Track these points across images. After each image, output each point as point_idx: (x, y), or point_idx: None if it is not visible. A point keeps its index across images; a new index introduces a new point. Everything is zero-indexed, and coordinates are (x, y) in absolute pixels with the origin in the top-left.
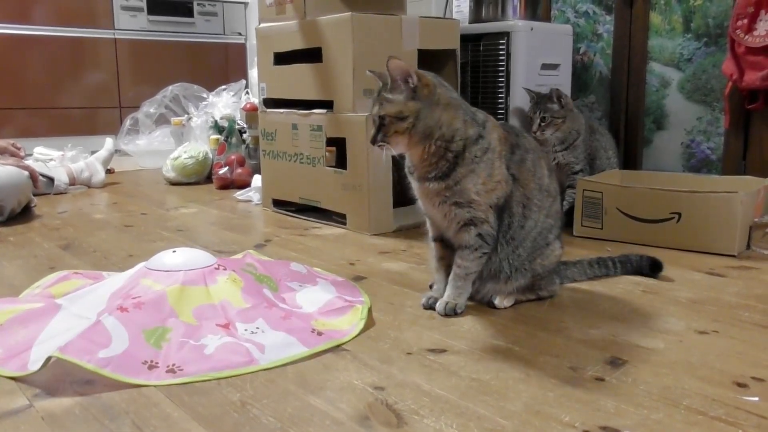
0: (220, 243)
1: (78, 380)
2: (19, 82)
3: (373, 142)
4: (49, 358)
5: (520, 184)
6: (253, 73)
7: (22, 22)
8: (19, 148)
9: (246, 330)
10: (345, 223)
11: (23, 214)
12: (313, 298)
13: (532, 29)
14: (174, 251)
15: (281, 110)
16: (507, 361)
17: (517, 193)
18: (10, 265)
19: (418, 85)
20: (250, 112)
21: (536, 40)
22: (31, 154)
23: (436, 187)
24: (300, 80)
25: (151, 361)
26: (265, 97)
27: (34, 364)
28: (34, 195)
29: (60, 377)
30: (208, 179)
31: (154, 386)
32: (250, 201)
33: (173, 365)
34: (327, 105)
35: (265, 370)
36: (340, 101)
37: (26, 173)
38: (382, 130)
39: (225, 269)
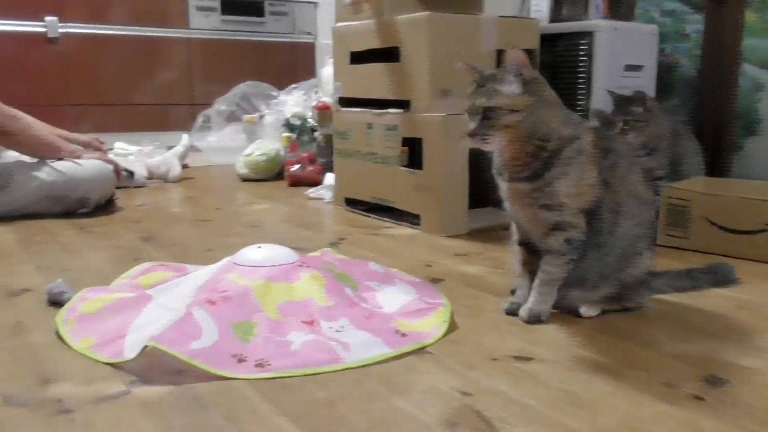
0: (293, 240)
1: (170, 370)
2: (96, 80)
3: (473, 134)
4: (145, 347)
5: (611, 189)
6: (324, 71)
7: (101, 22)
8: (102, 143)
9: (330, 328)
10: (418, 224)
11: (106, 206)
12: (393, 298)
13: (615, 29)
14: (259, 247)
15: (356, 109)
16: (596, 373)
17: (608, 199)
18: (97, 255)
19: (531, 79)
20: (321, 111)
21: (619, 41)
22: (111, 149)
23: (526, 188)
24: (376, 79)
25: (240, 355)
26: (340, 95)
27: (130, 351)
28: (116, 188)
29: (153, 366)
30: (279, 176)
31: (244, 379)
32: (321, 199)
33: (261, 360)
34: (402, 104)
35: (349, 369)
36: (417, 101)
37: (110, 167)
38: (486, 122)
39: (308, 267)
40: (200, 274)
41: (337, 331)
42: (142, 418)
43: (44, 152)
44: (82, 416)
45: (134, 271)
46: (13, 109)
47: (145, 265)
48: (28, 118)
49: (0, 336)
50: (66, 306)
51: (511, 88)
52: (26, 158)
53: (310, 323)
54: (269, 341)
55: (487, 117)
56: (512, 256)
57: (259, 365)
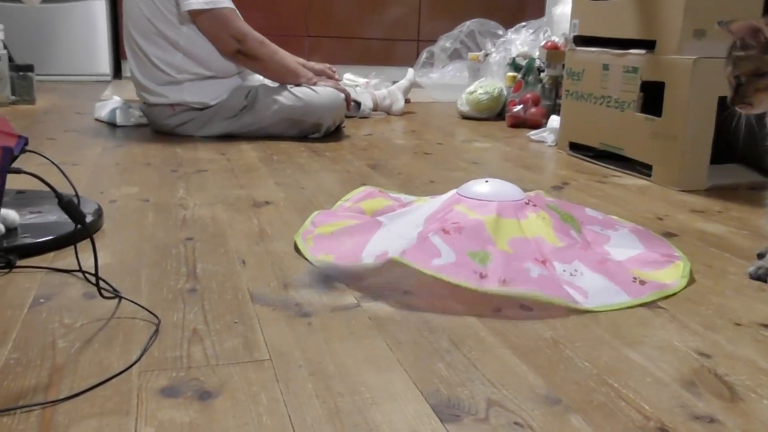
0: (516, 180)
1: (398, 290)
2: (332, 14)
3: (732, 103)
4: (387, 260)
5: None
6: (556, 10)
7: None
8: (334, 71)
9: (564, 271)
10: (649, 175)
11: (335, 133)
12: (620, 245)
13: None
14: (486, 181)
15: (592, 49)
16: None
17: None
18: (329, 177)
19: None
20: (551, 51)
21: None
22: (340, 80)
23: None
24: (618, 17)
25: (481, 273)
26: (576, 34)
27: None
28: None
29: (382, 285)
30: (499, 116)
31: (489, 292)
32: (543, 142)
33: (503, 278)
34: (646, 45)
35: (586, 311)
36: (664, 41)
37: (342, 95)
38: (740, 90)
39: (535, 205)
40: (429, 205)
41: (571, 274)
42: (371, 330)
43: (286, 78)
44: (318, 321)
45: (355, 194)
46: (261, 36)
47: (366, 189)
48: (274, 46)
49: (248, 241)
50: (300, 229)
51: (748, 53)
52: (269, 82)
53: (543, 263)
54: (507, 265)
55: (739, 84)
56: (764, 217)
57: (503, 282)
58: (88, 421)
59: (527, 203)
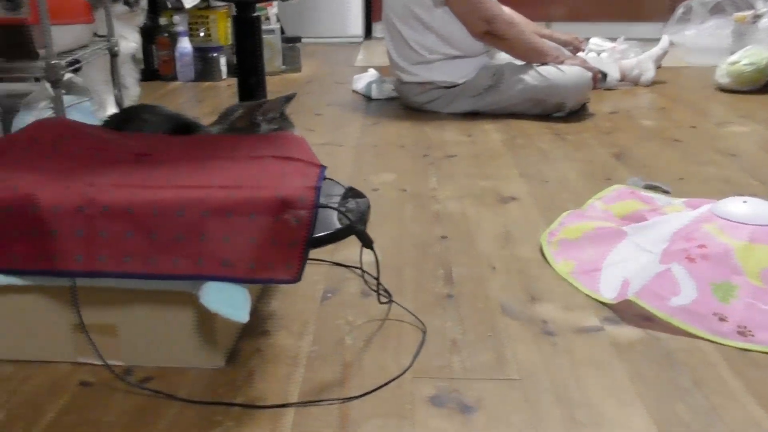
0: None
1: (640, 314)
2: None
3: None
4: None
5: None
6: None
7: None
8: (581, 41)
9: None
10: None
11: (578, 111)
12: None
13: None
14: (744, 201)
15: None
16: None
17: None
18: (571, 168)
19: None
20: None
21: None
22: (584, 48)
23: None
24: None
25: (721, 314)
26: None
27: (606, 289)
28: None
29: (625, 307)
30: (765, 89)
31: (721, 344)
32: None
33: (744, 327)
34: None
35: None
36: None
37: (589, 75)
38: None
39: None
40: (677, 219)
41: None
42: (613, 358)
43: (533, 57)
44: (563, 342)
45: (606, 193)
46: (511, 15)
47: (618, 188)
48: (522, 25)
49: (495, 243)
50: (547, 229)
51: None
52: (516, 61)
53: None
54: (752, 308)
55: None
56: None
57: (741, 333)
58: (373, 421)
59: None
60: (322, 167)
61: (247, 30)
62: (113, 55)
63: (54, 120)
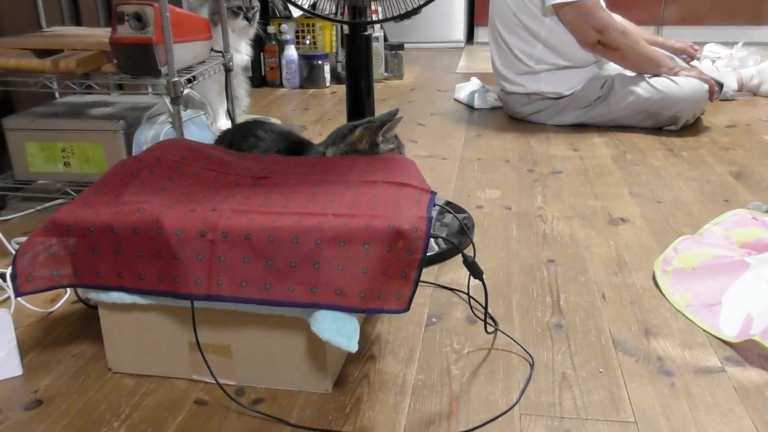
0: None
1: (766, 356)
2: None
3: None
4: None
5: None
6: None
7: None
8: (696, 49)
9: None
10: None
11: (693, 125)
12: None
13: None
14: None
15: None
16: None
17: None
18: (687, 187)
19: None
20: None
21: None
22: (698, 58)
23: None
24: None
25: None
26: None
27: (726, 325)
28: None
29: (749, 346)
30: None
31: None
32: None
33: None
34: None
35: None
36: None
37: (706, 87)
38: None
39: None
40: None
41: None
42: (735, 403)
43: (645, 67)
44: (681, 383)
45: (725, 217)
46: (623, 24)
47: (737, 213)
48: (635, 35)
49: (606, 269)
50: (661, 256)
51: None
52: (627, 72)
53: None
54: None
55: None
56: None
57: None
58: None
59: None
60: (433, 194)
61: (360, 49)
62: (228, 70)
63: (176, 141)
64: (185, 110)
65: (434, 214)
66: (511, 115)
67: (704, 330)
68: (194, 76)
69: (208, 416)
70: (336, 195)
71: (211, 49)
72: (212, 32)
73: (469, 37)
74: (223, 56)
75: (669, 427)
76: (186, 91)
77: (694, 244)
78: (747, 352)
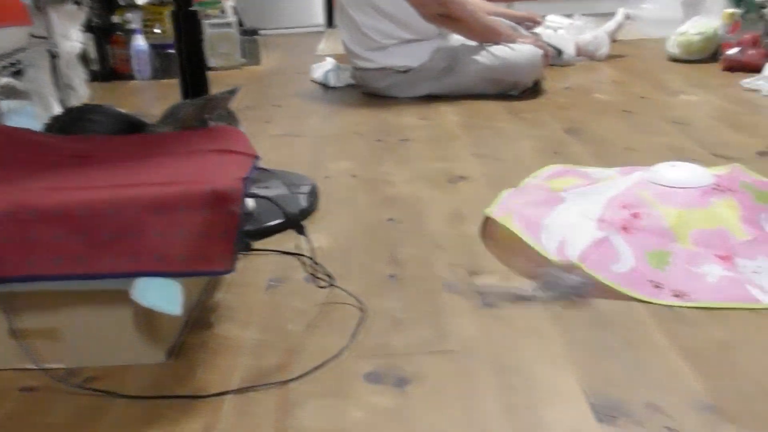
0: (717, 145)
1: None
2: None
3: None
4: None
5: None
6: None
7: None
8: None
9: (745, 267)
10: None
11: (533, 89)
12: None
13: None
14: (673, 165)
15: None
16: None
17: None
18: (526, 145)
19: None
20: None
21: None
22: (540, 23)
23: None
24: None
25: (657, 282)
26: None
27: (546, 244)
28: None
29: (568, 268)
30: (713, 58)
31: (660, 304)
32: (757, 91)
33: (678, 290)
34: None
35: (760, 309)
36: None
37: (540, 52)
38: None
39: (722, 191)
40: (614, 186)
41: (754, 272)
42: (548, 324)
43: (487, 37)
44: (501, 313)
45: (544, 171)
46: None
47: (554, 167)
48: (474, 6)
49: (444, 225)
50: (490, 207)
51: None
52: (469, 42)
53: (725, 258)
54: (684, 272)
55: None
56: None
57: (676, 295)
58: (312, 401)
59: (714, 188)
60: (255, 157)
61: (188, 25)
62: (53, 56)
63: None
64: (7, 101)
65: (283, 191)
66: (367, 92)
67: (530, 245)
68: (12, 63)
69: (35, 402)
70: (160, 166)
71: (32, 36)
72: (37, 17)
73: (330, 20)
74: (47, 42)
75: (488, 351)
76: (4, 80)
77: (515, 197)
78: (557, 277)
